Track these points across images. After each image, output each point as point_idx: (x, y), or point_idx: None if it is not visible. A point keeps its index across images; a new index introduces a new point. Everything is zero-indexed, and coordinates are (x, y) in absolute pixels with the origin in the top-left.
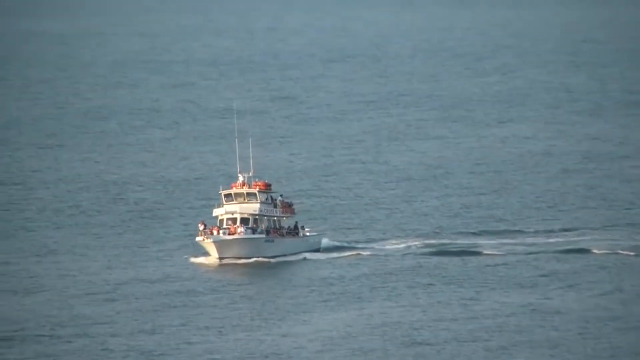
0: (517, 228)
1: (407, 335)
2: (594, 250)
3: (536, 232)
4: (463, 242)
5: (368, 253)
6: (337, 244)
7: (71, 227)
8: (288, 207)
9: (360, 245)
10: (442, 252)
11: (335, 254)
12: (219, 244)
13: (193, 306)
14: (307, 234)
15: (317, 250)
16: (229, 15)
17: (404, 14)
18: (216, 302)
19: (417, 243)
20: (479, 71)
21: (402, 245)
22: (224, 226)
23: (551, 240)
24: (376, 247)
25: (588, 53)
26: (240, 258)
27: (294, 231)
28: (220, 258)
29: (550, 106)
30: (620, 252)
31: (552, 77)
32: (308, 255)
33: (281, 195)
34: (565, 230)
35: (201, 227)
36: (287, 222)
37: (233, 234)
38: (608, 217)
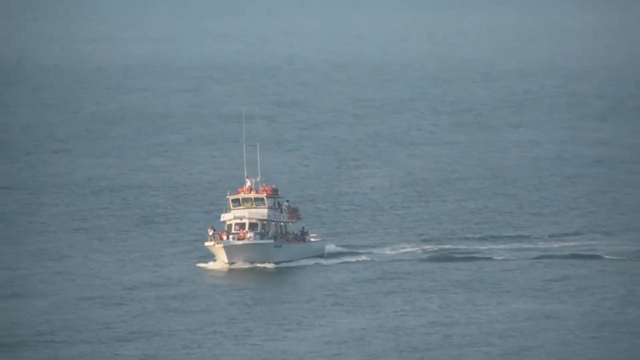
0: (529, 233)
1: (422, 340)
2: (607, 256)
3: (549, 237)
4: (476, 247)
5: (377, 259)
6: (340, 249)
7: (85, 231)
8: (294, 212)
9: (364, 250)
10: (454, 257)
11: (346, 259)
12: (229, 249)
13: (208, 311)
14: (312, 239)
15: (321, 256)
16: (241, 19)
17: (416, 19)
18: (230, 307)
19: (429, 247)
20: (492, 76)
21: (414, 250)
22: (233, 231)
23: (564, 244)
24: (386, 252)
25: (600, 57)
26: (250, 263)
27: (300, 236)
28: (230, 263)
29: (562, 111)
30: (633, 257)
31: (564, 82)
32: (322, 260)
33: (287, 201)
34: (578, 235)
35: (210, 232)
36: (292, 228)
37: (242, 239)
38: (621, 222)
